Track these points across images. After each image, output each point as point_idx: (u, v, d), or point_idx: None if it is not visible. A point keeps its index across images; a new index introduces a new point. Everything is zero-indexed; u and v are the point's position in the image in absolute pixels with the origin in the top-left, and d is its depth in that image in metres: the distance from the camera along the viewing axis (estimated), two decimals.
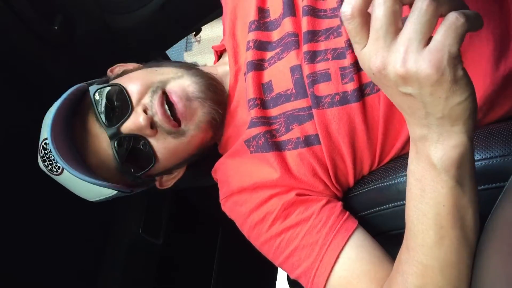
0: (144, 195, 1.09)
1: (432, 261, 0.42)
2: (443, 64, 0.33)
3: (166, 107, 0.60)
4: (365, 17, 0.36)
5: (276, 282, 1.50)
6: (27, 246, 0.82)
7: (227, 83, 0.69)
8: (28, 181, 0.82)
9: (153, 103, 0.60)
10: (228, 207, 0.64)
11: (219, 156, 0.70)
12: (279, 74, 0.62)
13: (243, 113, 0.65)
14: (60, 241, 0.88)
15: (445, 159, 0.38)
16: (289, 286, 0.98)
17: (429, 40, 0.34)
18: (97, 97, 0.63)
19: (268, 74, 0.63)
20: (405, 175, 0.56)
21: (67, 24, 0.84)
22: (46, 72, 0.84)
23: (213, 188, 0.69)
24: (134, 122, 0.60)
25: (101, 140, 0.62)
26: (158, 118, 0.60)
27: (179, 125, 0.61)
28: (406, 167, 0.56)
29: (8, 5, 0.77)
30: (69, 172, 0.59)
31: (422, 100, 0.36)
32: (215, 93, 0.64)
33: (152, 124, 0.60)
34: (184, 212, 1.24)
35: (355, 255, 0.53)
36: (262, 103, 0.62)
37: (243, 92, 0.65)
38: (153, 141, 0.62)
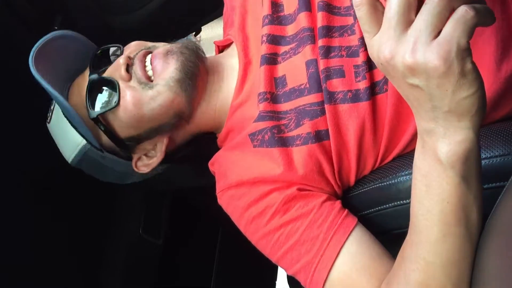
0: (144, 195, 1.09)
1: (434, 258, 0.42)
2: (451, 56, 0.33)
3: (148, 60, 0.65)
4: (375, 6, 0.36)
5: (276, 282, 1.50)
6: (27, 246, 0.82)
7: (230, 74, 0.69)
8: (28, 181, 0.82)
9: (137, 55, 0.66)
10: (225, 200, 0.63)
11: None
12: (295, 68, 0.62)
13: (251, 107, 0.64)
14: (60, 241, 0.88)
15: (451, 155, 0.38)
16: (289, 286, 0.98)
17: (439, 33, 0.34)
18: (98, 52, 0.71)
19: (282, 69, 0.63)
20: (406, 175, 0.56)
21: (67, 24, 0.84)
22: None
23: (213, 188, 0.68)
24: (114, 64, 0.66)
25: (86, 82, 0.67)
26: (135, 65, 0.65)
27: (152, 81, 0.64)
28: (406, 166, 0.56)
29: (8, 5, 0.77)
30: (32, 71, 0.64)
31: (429, 92, 0.36)
32: (192, 53, 0.65)
33: (128, 69, 0.65)
34: (184, 212, 1.23)
35: (356, 250, 0.53)
36: (272, 97, 0.62)
37: (254, 87, 0.65)
38: (122, 85, 0.65)
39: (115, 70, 0.65)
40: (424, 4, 0.34)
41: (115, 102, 0.64)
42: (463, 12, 0.32)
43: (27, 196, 0.83)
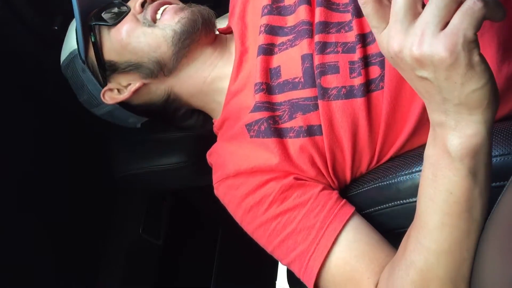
0: (144, 195, 1.09)
1: (429, 243, 0.43)
2: (457, 48, 0.33)
3: (162, 9, 0.68)
4: (380, 2, 0.36)
5: (276, 282, 1.50)
6: (27, 244, 0.82)
7: (227, 58, 0.70)
8: (27, 180, 0.82)
9: (160, 0, 0.70)
10: (222, 191, 0.64)
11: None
12: (290, 61, 0.62)
13: (247, 97, 0.65)
14: (60, 241, 0.88)
15: (460, 148, 0.38)
16: (289, 286, 0.98)
17: (447, 25, 0.34)
18: None
19: (277, 60, 0.64)
20: (405, 174, 0.56)
21: (67, 24, 0.84)
22: (46, 73, 0.84)
23: (213, 188, 0.68)
24: None
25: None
26: (151, 5, 0.69)
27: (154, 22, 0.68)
28: (407, 166, 0.56)
29: (8, 5, 0.77)
30: None
31: (438, 84, 0.36)
32: (203, 20, 0.67)
33: (143, 5, 0.69)
34: (184, 212, 1.24)
35: (353, 238, 0.53)
36: (267, 88, 0.62)
37: (251, 77, 0.65)
38: (130, 14, 0.69)
39: (133, 2, 0.70)
40: None
41: (115, 21, 0.69)
42: (471, 3, 0.32)
43: (28, 194, 0.83)
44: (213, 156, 0.68)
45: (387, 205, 0.58)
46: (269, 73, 0.63)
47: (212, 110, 0.74)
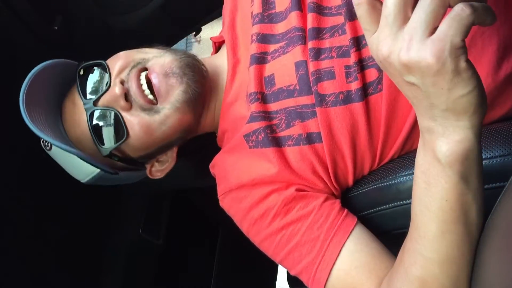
0: (144, 195, 1.10)
1: (431, 254, 0.43)
2: (444, 55, 0.33)
3: (143, 82, 0.62)
4: (374, 5, 0.36)
5: (276, 282, 1.51)
6: (29, 242, 0.82)
7: (224, 74, 0.69)
8: (27, 179, 0.82)
9: (129, 76, 0.62)
10: (227, 203, 0.64)
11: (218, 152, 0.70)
12: (283, 68, 0.61)
13: (242, 107, 0.64)
14: (60, 241, 0.88)
15: (449, 154, 0.38)
16: (289, 286, 0.98)
17: (435, 30, 0.34)
18: (81, 73, 0.66)
19: (270, 68, 0.63)
20: (406, 175, 0.56)
21: (67, 24, 0.84)
22: None
23: (213, 188, 0.68)
24: (109, 93, 0.62)
25: (82, 112, 0.64)
26: (133, 91, 0.62)
27: (156, 103, 0.62)
28: (407, 167, 0.56)
29: (8, 5, 0.77)
30: (34, 130, 0.61)
31: (426, 90, 0.36)
32: (194, 72, 0.63)
33: (127, 97, 0.62)
34: (184, 212, 1.24)
35: (355, 249, 0.53)
36: (263, 98, 0.62)
37: (244, 86, 0.65)
38: (126, 115, 0.62)
39: (113, 100, 0.62)
40: (419, 1, 0.34)
41: (123, 133, 0.63)
42: (458, 10, 0.32)
43: (28, 194, 0.83)
44: (215, 168, 0.68)
45: (387, 206, 0.58)
46: (263, 82, 0.62)
47: (215, 127, 0.73)
